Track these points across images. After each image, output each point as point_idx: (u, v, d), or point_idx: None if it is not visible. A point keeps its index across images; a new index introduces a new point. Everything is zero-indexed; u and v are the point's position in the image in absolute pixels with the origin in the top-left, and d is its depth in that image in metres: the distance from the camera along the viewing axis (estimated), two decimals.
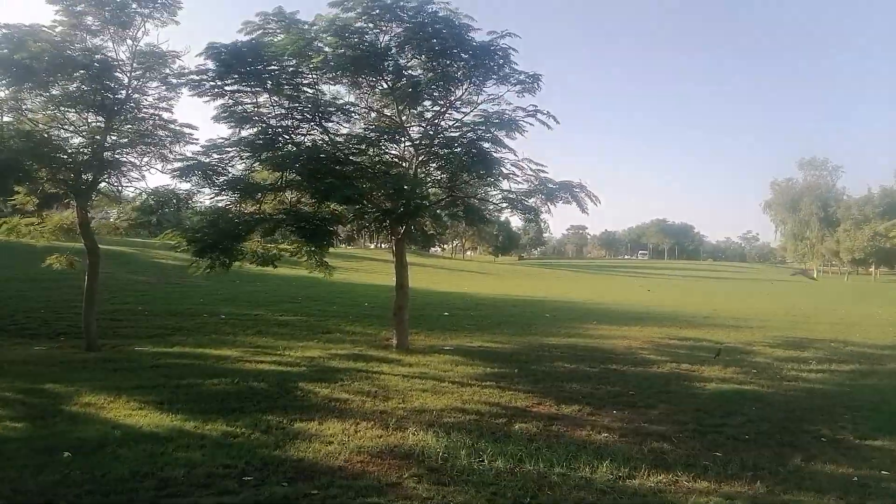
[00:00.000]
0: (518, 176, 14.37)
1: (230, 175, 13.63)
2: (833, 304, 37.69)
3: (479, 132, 13.54)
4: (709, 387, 11.23)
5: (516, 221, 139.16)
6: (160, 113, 13.76)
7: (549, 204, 14.36)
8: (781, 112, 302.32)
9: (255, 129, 13.31)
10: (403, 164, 14.78)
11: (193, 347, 13.76)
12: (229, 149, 13.51)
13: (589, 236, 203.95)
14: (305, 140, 13.78)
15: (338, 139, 13.97)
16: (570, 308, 28.00)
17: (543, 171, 14.25)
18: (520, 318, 22.27)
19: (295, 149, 13.19)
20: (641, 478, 6.51)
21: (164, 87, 13.50)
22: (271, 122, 13.28)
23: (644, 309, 28.64)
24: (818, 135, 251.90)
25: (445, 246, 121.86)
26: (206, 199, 14.33)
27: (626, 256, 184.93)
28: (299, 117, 13.34)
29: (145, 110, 13.70)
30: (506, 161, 13.93)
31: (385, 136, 13.83)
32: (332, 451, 7.06)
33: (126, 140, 13.69)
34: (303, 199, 14.24)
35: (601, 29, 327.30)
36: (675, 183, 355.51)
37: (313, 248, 15.08)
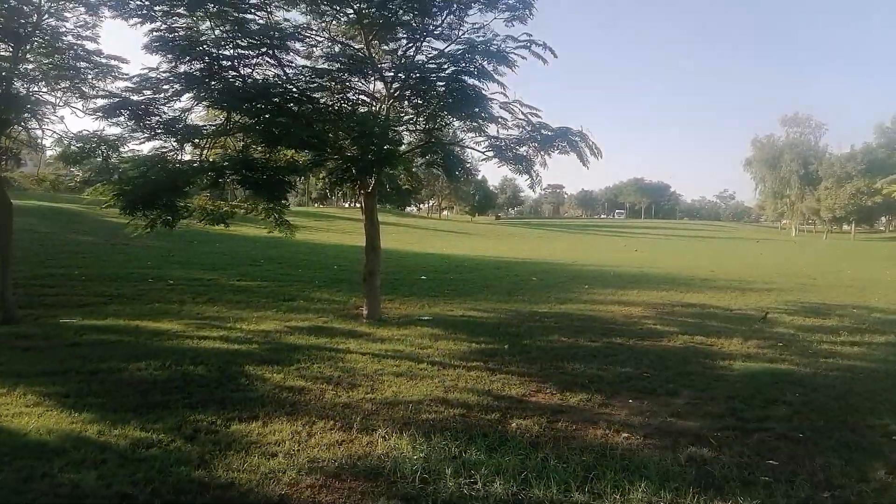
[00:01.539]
0: (508, 120, 12.41)
1: (166, 116, 11.40)
2: (829, 264, 36.61)
3: (463, 65, 11.40)
4: (735, 365, 9.53)
5: (493, 180, 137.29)
6: (83, 43, 11.82)
7: (542, 154, 12.47)
8: (765, 72, 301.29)
9: (194, 60, 11.01)
10: (372, 105, 12.65)
11: (129, 319, 11.78)
12: (165, 85, 11.28)
13: (566, 195, 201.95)
14: (255, 73, 11.52)
15: (294, 73, 11.70)
16: (557, 270, 26.32)
17: (536, 115, 12.31)
18: (504, 282, 20.54)
19: (241, 83, 10.92)
20: None
21: (82, 9, 11.34)
22: (212, 52, 10.92)
23: (636, 271, 27.02)
24: (803, 93, 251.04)
25: (421, 205, 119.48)
26: (141, 145, 12.25)
27: (603, 216, 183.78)
28: (244, 44, 10.99)
29: (64, 39, 11.69)
30: (494, 102, 11.94)
31: (350, 69, 11.57)
32: (274, 469, 5.31)
33: (39, 75, 11.58)
34: (253, 146, 12.02)
35: None
36: (652, 142, 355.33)
37: (270, 205, 13.15)
